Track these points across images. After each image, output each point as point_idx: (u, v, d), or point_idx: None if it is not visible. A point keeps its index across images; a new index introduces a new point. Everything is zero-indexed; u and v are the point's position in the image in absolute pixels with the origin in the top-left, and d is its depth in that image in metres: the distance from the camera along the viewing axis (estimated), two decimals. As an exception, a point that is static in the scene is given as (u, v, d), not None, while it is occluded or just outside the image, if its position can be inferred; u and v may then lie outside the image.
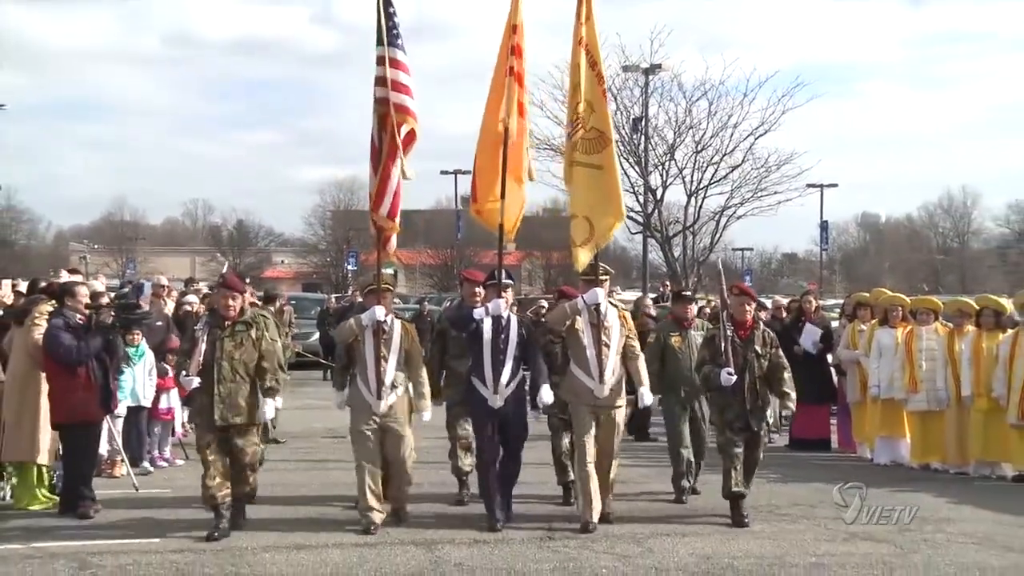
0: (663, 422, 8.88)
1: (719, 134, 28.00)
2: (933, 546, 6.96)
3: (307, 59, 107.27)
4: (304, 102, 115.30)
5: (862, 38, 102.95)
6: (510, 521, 7.44)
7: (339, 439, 10.19)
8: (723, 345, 7.53)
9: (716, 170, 28.46)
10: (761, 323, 8.06)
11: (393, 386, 7.37)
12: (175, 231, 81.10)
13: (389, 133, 7.53)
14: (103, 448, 8.82)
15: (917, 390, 10.14)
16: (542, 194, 62.12)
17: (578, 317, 7.55)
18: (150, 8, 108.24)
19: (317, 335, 21.16)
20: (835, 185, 42.20)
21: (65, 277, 9.52)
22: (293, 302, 19.30)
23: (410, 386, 7.57)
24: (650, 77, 27.39)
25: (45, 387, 7.83)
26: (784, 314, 12.60)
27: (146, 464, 9.55)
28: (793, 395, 7.75)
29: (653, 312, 13.06)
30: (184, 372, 7.15)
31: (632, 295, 24.25)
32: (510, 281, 7.90)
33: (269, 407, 7.38)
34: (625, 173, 25.93)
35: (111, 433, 8.81)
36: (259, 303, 11.06)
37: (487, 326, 7.49)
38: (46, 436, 7.89)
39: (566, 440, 8.11)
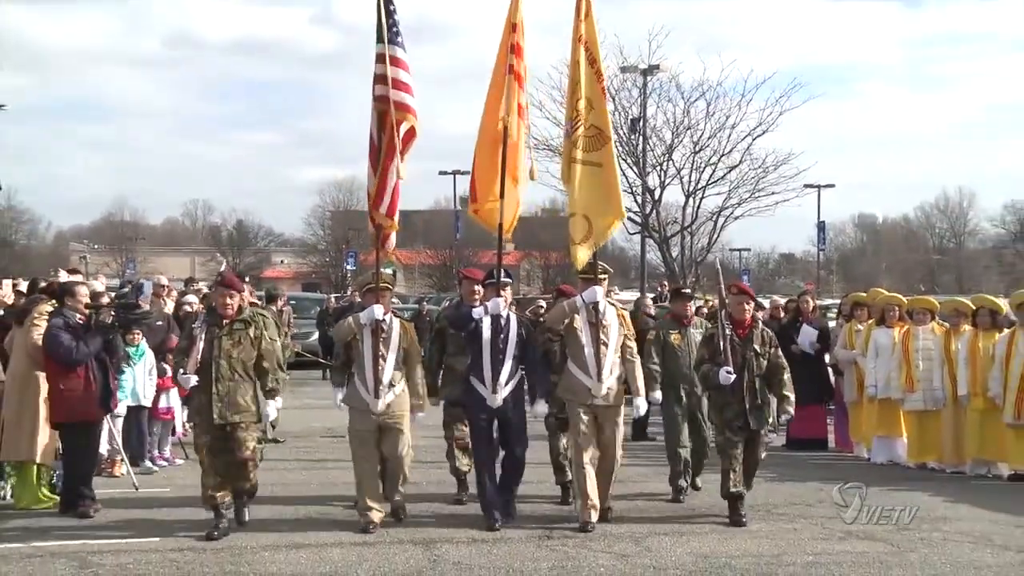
0: (662, 421, 8.91)
1: (717, 135, 28.11)
2: (929, 545, 6.99)
3: (307, 60, 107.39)
4: (304, 103, 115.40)
5: (861, 39, 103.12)
6: (513, 521, 7.44)
7: (338, 438, 10.21)
8: (722, 344, 7.53)
9: (714, 171, 28.58)
10: (760, 322, 8.07)
11: (391, 385, 7.36)
12: (175, 231, 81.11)
13: (388, 131, 7.52)
14: (103, 448, 8.85)
15: (914, 390, 10.18)
16: (540, 194, 62.22)
17: (576, 315, 7.54)
18: (150, 9, 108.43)
19: (316, 335, 21.27)
20: (832, 186, 42.25)
21: (64, 277, 9.53)
22: (293, 302, 19.31)
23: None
24: (648, 78, 27.44)
25: (45, 387, 7.85)
26: (782, 314, 12.65)
27: (148, 463, 9.57)
28: (792, 398, 7.71)
29: (653, 312, 13.11)
30: (182, 371, 7.15)
31: (630, 295, 24.30)
32: (508, 280, 7.90)
33: (271, 407, 7.40)
34: (623, 173, 25.97)
35: (111, 433, 8.84)
36: (259, 303, 11.09)
37: (486, 325, 7.49)
38: (46, 436, 7.90)
39: (564, 440, 8.13)
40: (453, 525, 7.44)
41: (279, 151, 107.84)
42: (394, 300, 8.69)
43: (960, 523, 7.68)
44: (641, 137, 27.64)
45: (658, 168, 28.63)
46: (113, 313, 8.05)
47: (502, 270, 7.77)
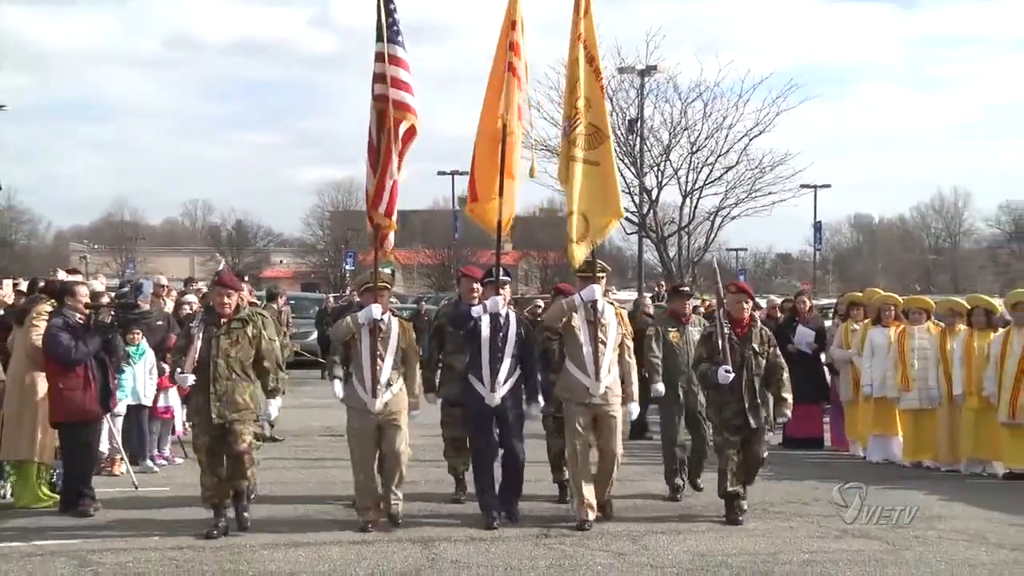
0: (659, 419, 8.94)
1: (714, 135, 28.22)
2: (924, 543, 7.03)
3: (306, 60, 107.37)
4: (304, 103, 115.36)
5: (861, 40, 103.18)
6: (516, 522, 7.39)
7: (337, 437, 10.24)
8: (720, 343, 7.53)
9: (711, 171, 28.68)
10: (759, 321, 8.07)
11: (389, 385, 7.34)
12: (174, 231, 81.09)
13: (387, 130, 7.48)
14: (103, 446, 8.87)
15: (909, 389, 10.23)
16: (538, 194, 62.22)
17: (574, 314, 7.53)
18: (150, 10, 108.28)
19: (315, 334, 21.40)
20: (828, 186, 42.43)
21: (64, 278, 9.55)
22: (292, 302, 19.38)
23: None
24: (646, 79, 27.51)
25: (45, 386, 7.87)
26: (779, 314, 12.69)
27: (148, 463, 9.60)
28: (789, 400, 7.71)
29: (652, 311, 13.13)
30: (179, 370, 7.14)
31: (628, 295, 24.35)
32: (507, 278, 7.90)
33: (273, 407, 7.42)
34: (621, 174, 26.04)
35: (111, 432, 8.86)
36: (258, 303, 11.11)
37: (485, 323, 7.48)
38: (46, 435, 7.93)
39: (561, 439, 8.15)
40: (451, 524, 7.47)
41: (279, 151, 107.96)
42: (393, 300, 8.68)
43: (955, 521, 7.72)
44: (638, 138, 27.70)
45: (655, 168, 28.73)
46: (112, 313, 8.07)
47: (501, 268, 7.77)
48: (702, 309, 11.66)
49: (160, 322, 10.27)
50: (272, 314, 9.97)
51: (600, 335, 7.50)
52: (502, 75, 7.74)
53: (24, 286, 10.22)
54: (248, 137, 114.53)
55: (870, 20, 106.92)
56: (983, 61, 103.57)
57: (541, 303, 9.57)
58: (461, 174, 39.74)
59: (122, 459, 9.08)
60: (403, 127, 7.58)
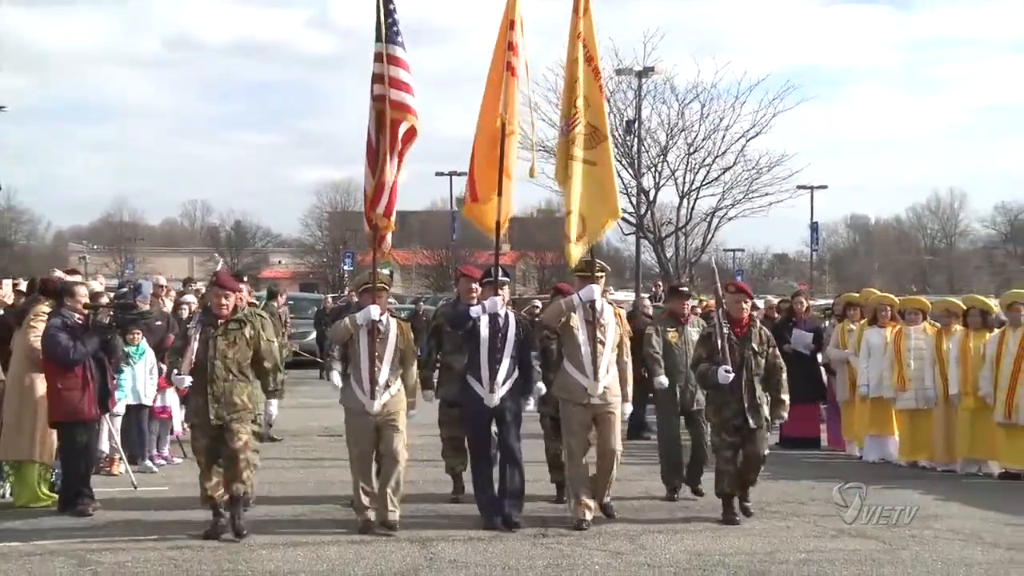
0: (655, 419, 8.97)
1: (711, 136, 28.32)
2: (921, 542, 7.06)
3: (305, 61, 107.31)
4: (304, 103, 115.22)
5: (856, 42, 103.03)
6: (518, 527, 7.26)
7: (335, 437, 10.27)
8: (719, 343, 7.54)
9: (708, 172, 28.77)
10: (758, 321, 8.09)
11: (387, 386, 7.33)
12: (173, 232, 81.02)
13: (386, 131, 7.47)
14: (103, 446, 8.89)
15: (905, 389, 10.26)
16: (536, 195, 62.20)
17: (573, 314, 7.53)
18: (150, 10, 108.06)
19: (314, 335, 21.49)
20: (825, 187, 42.52)
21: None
22: (291, 302, 19.40)
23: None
24: (643, 80, 27.58)
25: (44, 386, 7.89)
26: (776, 314, 12.72)
27: (148, 463, 9.61)
28: (787, 401, 7.73)
29: (651, 312, 13.15)
30: (176, 371, 7.13)
31: (625, 295, 24.39)
32: (506, 279, 7.90)
33: (273, 407, 7.43)
34: (618, 174, 26.07)
35: (110, 432, 8.88)
36: (257, 303, 11.12)
37: (484, 323, 7.46)
38: (45, 435, 7.94)
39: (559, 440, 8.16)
40: (449, 523, 7.49)
41: (279, 151, 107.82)
42: (391, 300, 8.67)
43: (951, 521, 7.75)
44: (636, 139, 27.76)
45: (653, 169, 28.80)
46: (111, 313, 8.08)
47: (500, 269, 7.78)
48: (699, 310, 11.70)
49: (159, 322, 10.28)
50: (274, 311, 9.96)
51: (599, 335, 7.50)
52: (501, 75, 7.72)
53: (24, 286, 10.23)
54: (248, 137, 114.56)
55: (866, 22, 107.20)
56: (978, 63, 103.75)
57: (539, 304, 9.59)
58: (459, 175, 39.75)
59: (121, 459, 9.10)
60: (403, 128, 7.56)
